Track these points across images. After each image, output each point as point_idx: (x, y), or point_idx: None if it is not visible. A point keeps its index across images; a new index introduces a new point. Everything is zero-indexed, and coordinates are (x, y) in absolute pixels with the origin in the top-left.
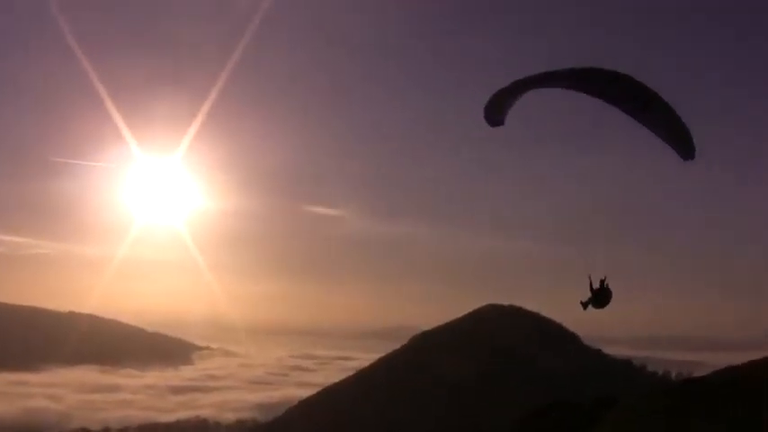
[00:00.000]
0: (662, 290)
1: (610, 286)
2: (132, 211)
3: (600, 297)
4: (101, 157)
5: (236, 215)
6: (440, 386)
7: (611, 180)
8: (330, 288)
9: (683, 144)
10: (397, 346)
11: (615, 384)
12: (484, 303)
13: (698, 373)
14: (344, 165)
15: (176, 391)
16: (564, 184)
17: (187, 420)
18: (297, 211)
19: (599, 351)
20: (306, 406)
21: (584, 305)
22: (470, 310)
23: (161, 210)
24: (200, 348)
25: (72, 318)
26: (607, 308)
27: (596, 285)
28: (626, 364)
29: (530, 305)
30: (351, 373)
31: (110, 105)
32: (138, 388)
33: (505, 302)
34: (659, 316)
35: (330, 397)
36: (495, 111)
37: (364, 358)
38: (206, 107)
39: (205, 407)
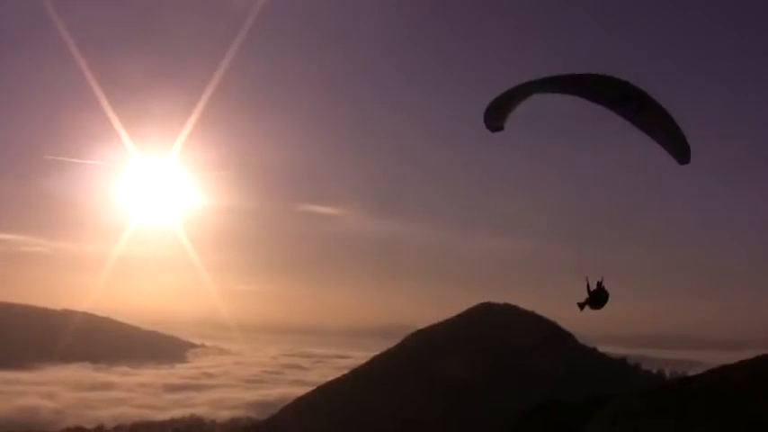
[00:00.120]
0: (657, 289)
1: (606, 288)
2: (128, 209)
3: (597, 298)
4: (96, 155)
5: (232, 213)
6: (435, 384)
7: (605, 179)
8: (325, 286)
9: (678, 149)
10: (392, 344)
11: (610, 383)
12: (478, 302)
13: (692, 372)
14: (339, 163)
15: (171, 389)
16: (559, 183)
17: (181, 419)
18: (292, 210)
19: (594, 349)
20: (300, 404)
21: (581, 306)
22: (465, 308)
23: (156, 208)
24: (195, 346)
25: (66, 316)
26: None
27: (593, 287)
28: (621, 362)
29: (525, 304)
30: (346, 371)
31: (105, 103)
32: (132, 386)
33: (500, 301)
34: (654, 315)
35: (325, 395)
36: (495, 117)
37: (359, 356)
38: (202, 105)
39: (200, 405)
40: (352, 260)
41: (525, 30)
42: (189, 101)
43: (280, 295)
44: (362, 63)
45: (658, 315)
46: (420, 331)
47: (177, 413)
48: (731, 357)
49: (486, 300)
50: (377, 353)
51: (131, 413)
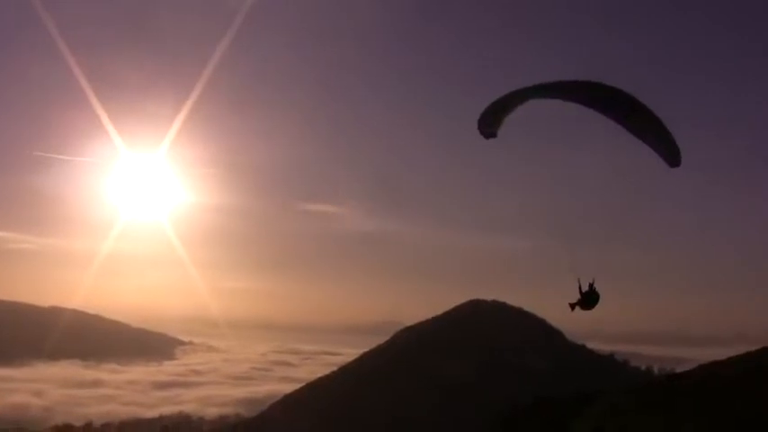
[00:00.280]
0: (645, 286)
1: (597, 289)
2: (116, 206)
3: (588, 299)
4: (85, 152)
5: (221, 211)
6: (424, 381)
7: (596, 179)
8: (313, 283)
9: (668, 152)
10: (381, 341)
11: (598, 379)
12: (467, 299)
13: (680, 369)
14: (329, 162)
15: (159, 386)
16: (549, 182)
17: (170, 416)
18: (280, 207)
19: (582, 346)
20: (289, 401)
21: (573, 306)
22: (454, 305)
23: (145, 205)
24: (184, 344)
25: (55, 313)
26: None
27: (584, 288)
28: (609, 359)
29: (513, 301)
30: (335, 368)
31: (94, 100)
32: (121, 383)
33: (489, 298)
34: (642, 312)
35: (314, 392)
36: (488, 124)
37: (348, 353)
38: (191, 102)
39: (188, 402)
40: (341, 257)
41: (523, 29)
42: (178, 98)
43: (268, 292)
44: (356, 61)
45: (647, 312)
46: (409, 328)
47: (166, 410)
48: (720, 354)
49: (474, 297)
50: (366, 350)
51: (120, 410)
